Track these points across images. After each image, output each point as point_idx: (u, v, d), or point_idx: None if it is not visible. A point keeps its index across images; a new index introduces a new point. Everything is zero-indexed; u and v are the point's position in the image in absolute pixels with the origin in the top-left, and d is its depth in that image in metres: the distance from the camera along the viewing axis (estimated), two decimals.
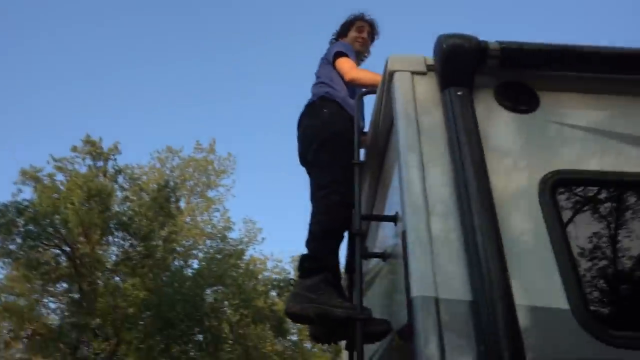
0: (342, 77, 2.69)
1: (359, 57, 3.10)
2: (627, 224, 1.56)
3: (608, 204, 1.61)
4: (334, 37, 3.22)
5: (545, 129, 1.67)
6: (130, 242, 16.10)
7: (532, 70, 1.76)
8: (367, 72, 2.61)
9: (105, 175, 16.53)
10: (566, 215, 1.53)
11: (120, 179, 17.25)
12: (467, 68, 1.69)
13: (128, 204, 17.03)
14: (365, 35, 3.10)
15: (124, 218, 15.70)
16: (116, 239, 16.24)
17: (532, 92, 1.74)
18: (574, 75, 1.77)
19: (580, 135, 1.67)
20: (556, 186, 1.55)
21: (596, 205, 1.59)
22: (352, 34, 3.10)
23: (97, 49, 32.12)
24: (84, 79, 32.00)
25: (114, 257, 16.41)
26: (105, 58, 32.53)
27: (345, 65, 2.69)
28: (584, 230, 1.52)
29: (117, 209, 16.36)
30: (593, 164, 1.60)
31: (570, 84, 1.76)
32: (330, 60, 2.79)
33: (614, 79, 1.76)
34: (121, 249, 16.30)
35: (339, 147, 2.35)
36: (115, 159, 16.86)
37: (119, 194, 17.04)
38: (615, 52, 1.74)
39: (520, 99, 1.73)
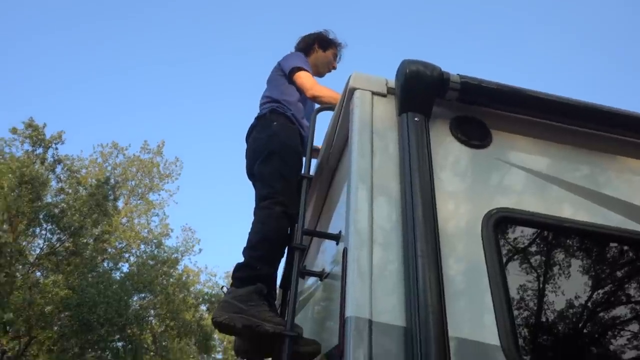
0: (302, 92, 2.67)
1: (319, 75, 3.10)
2: (562, 268, 1.59)
3: (546, 247, 1.63)
4: (304, 44, 3.11)
5: (495, 166, 1.69)
6: (58, 236, 15.29)
7: (488, 107, 1.79)
8: (328, 89, 2.60)
9: (42, 163, 15.73)
10: (505, 252, 1.54)
11: (58, 169, 16.48)
12: (427, 96, 1.69)
13: (62, 196, 16.24)
14: (336, 65, 3.15)
15: (56, 210, 14.93)
16: (43, 232, 15.40)
17: (486, 129, 1.76)
18: (527, 119, 1.81)
19: (526, 177, 1.70)
20: (499, 223, 1.56)
21: (534, 246, 1.62)
22: (329, 55, 3.10)
23: (55, 32, 31.02)
24: (35, 63, 30.72)
25: (38, 250, 15.53)
26: (63, 47, 31.43)
27: (307, 81, 2.67)
28: (521, 269, 1.53)
29: (50, 200, 15.55)
30: (535, 206, 1.62)
31: (523, 127, 1.80)
32: (285, 72, 2.75)
33: (564, 129, 1.82)
34: (47, 243, 15.44)
35: (286, 159, 2.32)
36: (56, 148, 16.13)
37: (54, 184, 16.24)
38: (568, 103, 1.80)
39: (474, 134, 1.75)
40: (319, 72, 3.10)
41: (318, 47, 3.08)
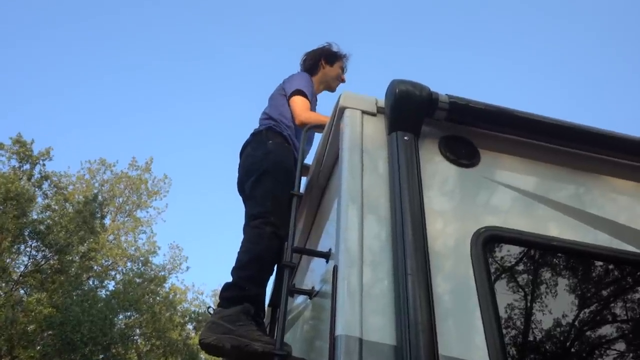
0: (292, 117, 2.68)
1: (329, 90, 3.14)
2: (549, 286, 1.60)
3: (534, 265, 1.65)
4: (310, 61, 3.10)
5: (483, 185, 1.71)
6: (43, 253, 15.06)
7: (476, 127, 1.81)
8: (317, 115, 2.61)
9: (29, 180, 15.56)
10: (494, 271, 1.55)
11: (45, 185, 16.32)
12: (416, 115, 1.72)
13: (49, 212, 16.04)
14: (345, 77, 3.14)
15: (41, 227, 14.72)
16: (28, 249, 15.16)
17: (475, 148, 1.79)
18: (514, 139, 1.84)
19: (514, 196, 1.72)
20: (487, 241, 1.57)
21: (522, 265, 1.63)
22: (337, 69, 3.10)
23: (44, 48, 30.98)
24: (26, 78, 30.62)
25: (22, 268, 15.27)
26: (48, 61, 31.36)
27: (298, 107, 2.66)
28: (509, 287, 1.54)
29: (36, 217, 15.35)
30: (523, 225, 1.64)
31: (510, 146, 1.83)
32: (286, 93, 2.77)
33: (551, 149, 1.85)
34: (32, 260, 15.20)
35: (279, 179, 2.32)
36: (44, 164, 15.99)
37: (40, 200, 16.06)
38: (554, 123, 1.83)
39: (462, 153, 1.77)
40: (330, 87, 3.11)
41: (325, 63, 3.07)
